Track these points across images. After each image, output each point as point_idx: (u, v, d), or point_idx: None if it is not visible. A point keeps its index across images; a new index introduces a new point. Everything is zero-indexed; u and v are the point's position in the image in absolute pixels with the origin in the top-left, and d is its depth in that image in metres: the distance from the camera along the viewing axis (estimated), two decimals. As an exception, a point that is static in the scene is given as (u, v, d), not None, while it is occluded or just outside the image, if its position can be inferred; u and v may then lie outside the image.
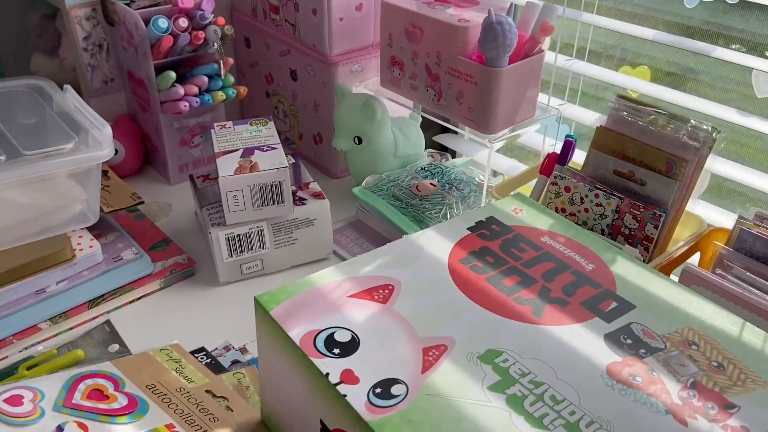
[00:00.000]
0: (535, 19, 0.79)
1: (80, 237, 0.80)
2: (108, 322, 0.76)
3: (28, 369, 0.69)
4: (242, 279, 0.84)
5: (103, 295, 0.78)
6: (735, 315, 0.55)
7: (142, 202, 0.89)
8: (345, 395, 0.46)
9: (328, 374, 0.48)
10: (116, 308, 0.79)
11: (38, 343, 0.74)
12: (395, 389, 0.47)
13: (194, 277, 0.85)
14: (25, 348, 0.73)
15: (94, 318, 0.77)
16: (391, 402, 0.46)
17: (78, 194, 0.81)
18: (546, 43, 0.84)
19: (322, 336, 0.51)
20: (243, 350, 0.73)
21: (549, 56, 0.88)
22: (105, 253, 0.81)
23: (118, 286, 0.79)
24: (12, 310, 0.74)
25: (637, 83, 0.89)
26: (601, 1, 0.93)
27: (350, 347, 0.50)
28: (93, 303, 0.77)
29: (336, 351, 0.50)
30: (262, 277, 0.84)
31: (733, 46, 1.25)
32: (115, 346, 0.72)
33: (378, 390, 0.47)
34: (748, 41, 1.26)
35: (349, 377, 0.48)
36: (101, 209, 0.83)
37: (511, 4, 0.85)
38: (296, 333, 0.52)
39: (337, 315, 0.53)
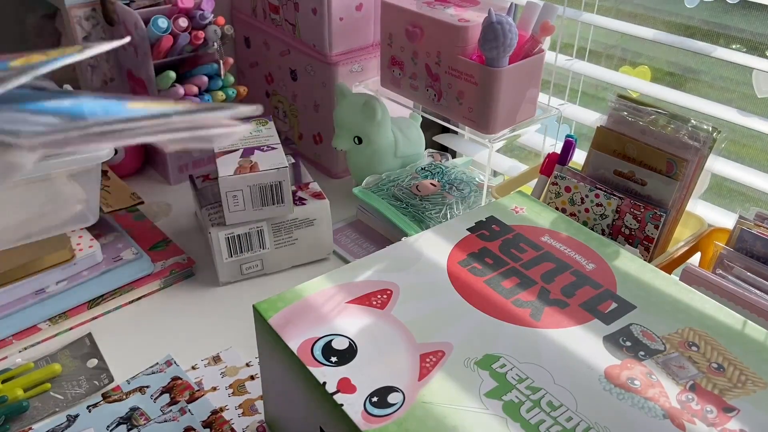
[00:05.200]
0: (535, 18, 0.79)
1: (80, 237, 0.80)
2: (89, 335, 0.75)
3: (3, 382, 0.68)
4: (242, 279, 0.84)
5: (102, 295, 0.78)
6: (736, 314, 0.55)
7: (142, 202, 0.89)
8: (342, 405, 0.46)
9: (325, 383, 0.48)
10: (116, 308, 0.79)
11: (37, 344, 0.74)
12: (392, 398, 0.47)
13: (194, 277, 0.85)
14: (25, 348, 0.73)
15: (94, 318, 0.77)
16: (388, 411, 0.46)
17: (78, 194, 0.80)
18: (546, 43, 0.84)
19: (320, 344, 0.51)
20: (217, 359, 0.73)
21: (549, 56, 0.87)
22: (105, 253, 0.81)
23: (118, 286, 0.79)
24: (12, 310, 0.74)
25: (637, 83, 0.89)
26: (601, 1, 0.93)
27: (348, 355, 0.50)
28: (93, 303, 0.77)
29: (333, 359, 0.50)
30: (262, 277, 0.84)
31: (734, 46, 1.24)
32: (94, 361, 0.71)
33: (375, 399, 0.47)
34: (748, 41, 1.26)
35: (346, 386, 0.48)
36: (101, 209, 0.83)
37: (511, 4, 0.85)
38: (294, 341, 0.52)
39: (335, 322, 0.53)
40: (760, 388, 0.48)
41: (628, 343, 0.52)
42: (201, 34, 0.92)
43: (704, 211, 0.80)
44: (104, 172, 0.91)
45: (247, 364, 0.72)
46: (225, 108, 0.30)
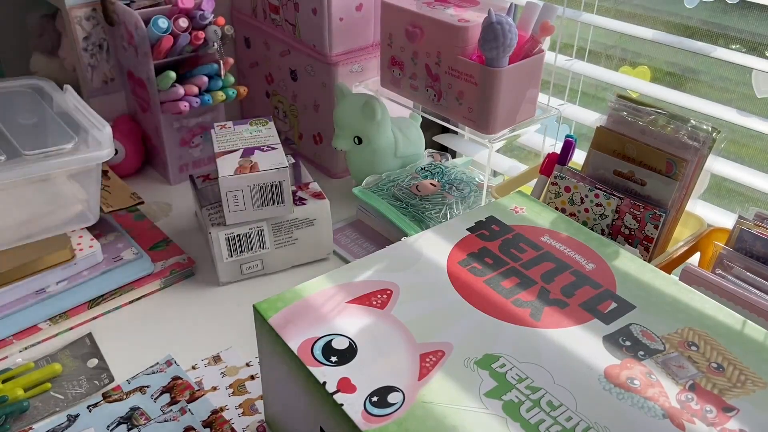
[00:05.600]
0: (535, 19, 0.79)
1: (80, 237, 0.80)
2: (89, 335, 0.75)
3: (3, 382, 0.68)
4: (242, 279, 0.84)
5: (103, 295, 0.78)
6: (736, 314, 0.55)
7: (142, 202, 0.89)
8: (342, 404, 0.46)
9: (325, 383, 0.48)
10: (116, 308, 0.79)
11: (38, 343, 0.74)
12: (392, 397, 0.47)
13: (194, 277, 0.85)
14: (25, 348, 0.73)
15: (94, 318, 0.77)
16: (388, 411, 0.46)
17: (78, 194, 0.81)
18: (546, 43, 0.84)
19: (320, 344, 0.51)
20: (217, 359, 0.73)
21: (549, 56, 0.87)
22: (105, 253, 0.81)
23: (118, 286, 0.79)
24: (12, 310, 0.74)
25: (637, 83, 0.89)
26: (601, 1, 0.93)
27: (348, 355, 0.50)
28: (93, 303, 0.77)
29: (333, 359, 0.50)
30: (262, 277, 0.84)
31: (733, 46, 1.24)
32: (94, 361, 0.72)
33: (375, 398, 0.47)
34: (747, 41, 1.26)
35: (346, 386, 0.48)
36: (101, 209, 0.83)
37: (511, 4, 0.85)
38: (294, 341, 0.52)
39: (335, 322, 0.53)
40: (760, 388, 0.48)
41: (628, 343, 0.52)
42: (201, 34, 0.92)
43: (704, 211, 0.80)
44: (104, 172, 0.91)
45: (247, 364, 0.72)
46: None
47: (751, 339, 0.52)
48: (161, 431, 0.64)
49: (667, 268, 0.72)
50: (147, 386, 0.68)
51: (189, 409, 0.66)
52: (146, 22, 0.90)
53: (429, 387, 0.48)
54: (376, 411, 0.46)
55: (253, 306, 0.55)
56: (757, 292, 0.63)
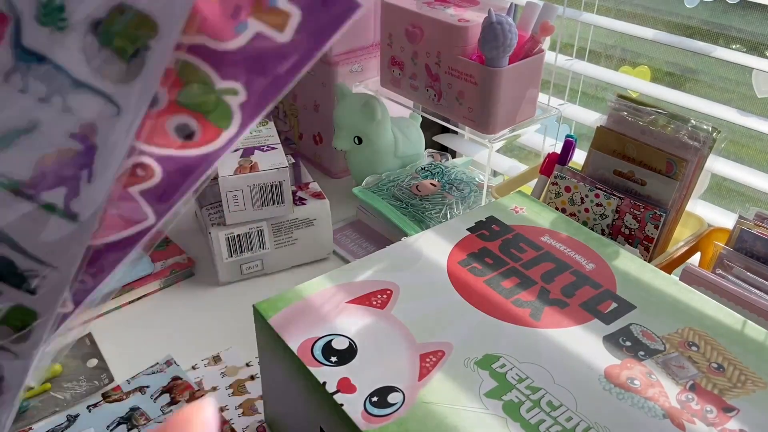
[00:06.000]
0: (535, 19, 0.79)
1: (80, 237, 0.80)
2: (89, 335, 0.75)
3: (2, 382, 0.68)
4: (242, 279, 0.84)
5: (103, 296, 0.78)
6: (736, 314, 0.55)
7: (142, 202, 0.88)
8: (342, 404, 0.46)
9: (325, 383, 0.48)
10: (116, 308, 0.79)
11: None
12: (392, 397, 0.47)
13: (194, 277, 0.85)
14: (26, 348, 0.73)
15: (94, 318, 0.77)
16: (388, 411, 0.46)
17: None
18: (546, 43, 0.84)
19: (320, 344, 0.51)
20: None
21: (549, 56, 0.87)
22: (105, 254, 0.81)
23: (118, 286, 0.79)
24: (12, 310, 0.74)
25: (637, 83, 0.89)
26: (601, 1, 0.93)
27: (348, 355, 0.50)
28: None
29: (333, 359, 0.50)
30: (262, 277, 0.84)
31: (733, 46, 1.24)
32: (94, 361, 0.71)
33: (375, 399, 0.47)
34: (748, 41, 1.26)
35: (346, 386, 0.48)
36: (101, 209, 0.83)
37: (511, 4, 0.85)
38: (294, 341, 0.52)
39: (335, 322, 0.53)
40: (760, 388, 0.48)
41: (628, 343, 0.52)
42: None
43: (704, 211, 0.80)
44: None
45: (247, 364, 0.72)
46: None
47: (751, 339, 0.52)
48: (161, 431, 0.64)
49: (668, 268, 0.72)
50: (147, 386, 0.68)
51: (189, 409, 0.66)
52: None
53: (429, 387, 0.48)
54: (376, 411, 0.46)
55: (253, 306, 0.55)
56: (757, 292, 0.63)
